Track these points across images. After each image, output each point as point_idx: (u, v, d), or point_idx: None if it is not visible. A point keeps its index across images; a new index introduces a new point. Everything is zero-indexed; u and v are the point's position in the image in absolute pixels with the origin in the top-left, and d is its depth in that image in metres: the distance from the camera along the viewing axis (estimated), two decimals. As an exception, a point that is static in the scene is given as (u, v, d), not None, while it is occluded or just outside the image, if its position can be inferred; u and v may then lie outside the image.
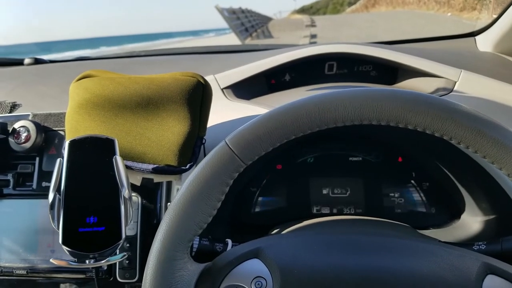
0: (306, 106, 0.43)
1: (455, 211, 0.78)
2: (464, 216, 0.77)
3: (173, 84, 0.63)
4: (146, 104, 0.63)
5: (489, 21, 1.06)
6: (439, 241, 0.64)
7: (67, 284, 0.74)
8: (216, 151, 0.45)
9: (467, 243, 0.63)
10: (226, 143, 0.44)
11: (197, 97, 0.64)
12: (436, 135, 0.41)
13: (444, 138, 0.41)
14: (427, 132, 0.42)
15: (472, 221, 0.75)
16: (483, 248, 0.60)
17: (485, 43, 1.07)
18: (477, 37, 1.12)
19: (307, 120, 0.43)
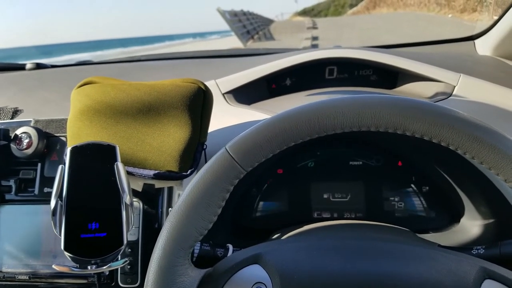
0: (305, 113, 0.44)
1: (455, 215, 0.78)
2: (463, 220, 0.77)
3: (174, 90, 0.64)
4: (147, 110, 0.63)
5: (489, 23, 1.07)
6: (439, 245, 0.65)
7: (69, 289, 0.75)
8: (216, 158, 0.45)
9: (466, 247, 0.63)
10: (227, 150, 0.45)
11: (198, 103, 0.65)
12: (433, 141, 0.42)
13: (442, 144, 0.42)
14: (424, 138, 0.42)
15: (471, 225, 0.75)
16: (481, 252, 0.60)
17: (484, 46, 1.07)
18: (476, 41, 1.12)
19: (306, 127, 0.43)
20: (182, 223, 0.43)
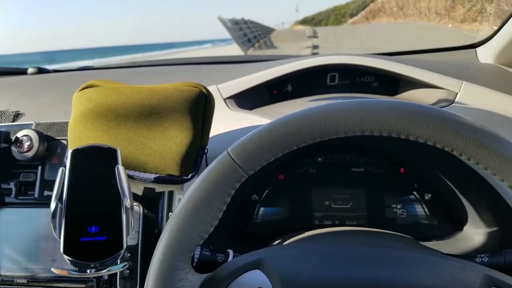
0: (308, 116, 0.43)
1: (458, 223, 0.78)
2: (466, 228, 0.76)
3: (175, 94, 0.64)
4: (149, 114, 0.63)
5: (490, 32, 1.07)
6: (442, 253, 0.64)
7: (68, 294, 0.74)
8: (218, 161, 0.45)
9: (469, 255, 0.63)
10: (228, 153, 0.44)
11: (200, 107, 0.64)
12: (437, 146, 0.41)
13: (446, 149, 0.41)
14: (428, 143, 0.42)
15: (474, 233, 0.74)
16: (485, 260, 0.60)
17: (486, 54, 1.07)
18: (478, 49, 1.12)
19: (309, 131, 0.43)
20: (183, 227, 0.43)
